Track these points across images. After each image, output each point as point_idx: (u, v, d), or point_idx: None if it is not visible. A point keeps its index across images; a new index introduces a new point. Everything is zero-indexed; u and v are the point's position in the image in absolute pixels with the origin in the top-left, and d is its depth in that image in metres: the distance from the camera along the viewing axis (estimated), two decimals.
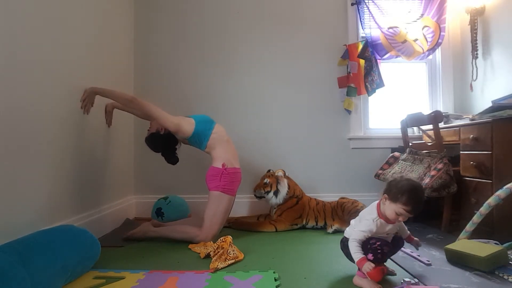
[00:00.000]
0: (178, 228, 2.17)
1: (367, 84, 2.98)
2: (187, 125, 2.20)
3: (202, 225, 2.13)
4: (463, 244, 1.77)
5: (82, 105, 2.06)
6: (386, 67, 3.09)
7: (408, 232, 1.66)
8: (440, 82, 3.11)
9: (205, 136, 2.22)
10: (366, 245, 1.47)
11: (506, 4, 2.57)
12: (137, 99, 2.13)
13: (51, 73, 1.77)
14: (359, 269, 1.47)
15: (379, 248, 1.44)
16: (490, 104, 2.25)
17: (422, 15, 2.98)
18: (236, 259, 1.79)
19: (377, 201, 1.55)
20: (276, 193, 2.53)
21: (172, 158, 2.37)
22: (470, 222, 1.90)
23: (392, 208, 1.46)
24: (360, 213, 1.60)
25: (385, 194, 1.49)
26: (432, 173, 2.20)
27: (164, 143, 2.30)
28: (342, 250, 1.62)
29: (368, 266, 1.38)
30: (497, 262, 1.59)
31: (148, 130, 2.33)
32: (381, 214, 1.50)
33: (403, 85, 3.19)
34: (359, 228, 1.50)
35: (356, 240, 1.47)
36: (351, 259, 1.56)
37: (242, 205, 2.86)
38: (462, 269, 1.64)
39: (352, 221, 1.61)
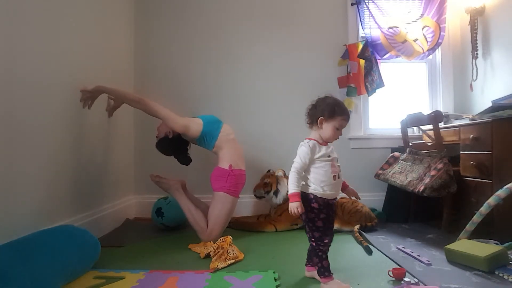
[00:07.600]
0: (195, 214, 2.13)
1: (367, 84, 2.97)
2: (195, 126, 2.19)
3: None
4: (463, 244, 1.77)
5: (82, 98, 2.04)
6: (386, 67, 3.09)
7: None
8: (440, 82, 3.11)
9: (213, 136, 2.22)
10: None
11: (506, 4, 2.57)
12: (145, 100, 2.12)
13: (51, 73, 1.77)
14: (319, 275, 1.47)
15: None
16: (490, 104, 2.25)
17: (422, 15, 2.98)
18: (236, 259, 1.79)
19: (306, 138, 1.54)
20: (276, 193, 2.53)
21: (184, 160, 2.39)
22: (470, 222, 1.90)
23: (331, 125, 1.49)
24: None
25: (320, 118, 1.50)
26: (432, 173, 2.20)
27: (174, 146, 2.32)
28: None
29: (295, 206, 1.38)
30: (497, 262, 1.59)
31: (156, 136, 2.33)
32: (314, 139, 1.52)
33: (403, 85, 3.19)
34: (296, 159, 1.48)
35: (296, 169, 1.45)
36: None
37: (243, 205, 2.85)
38: (462, 269, 1.64)
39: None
